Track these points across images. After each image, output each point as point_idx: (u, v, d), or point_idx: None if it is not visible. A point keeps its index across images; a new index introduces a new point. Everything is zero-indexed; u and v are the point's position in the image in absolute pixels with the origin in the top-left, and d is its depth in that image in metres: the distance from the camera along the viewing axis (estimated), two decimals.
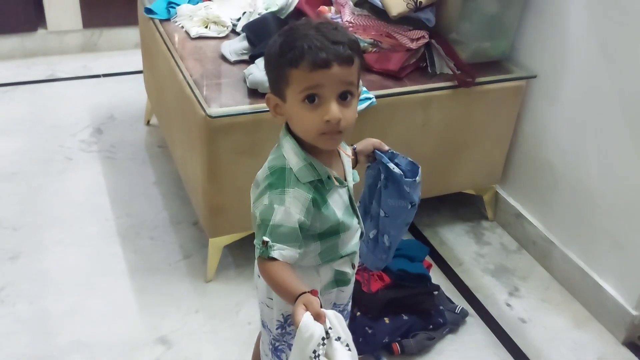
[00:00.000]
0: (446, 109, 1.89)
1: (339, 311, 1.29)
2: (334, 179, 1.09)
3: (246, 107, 1.65)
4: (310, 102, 1.01)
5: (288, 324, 1.22)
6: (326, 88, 1.00)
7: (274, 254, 1.01)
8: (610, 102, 1.71)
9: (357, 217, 1.18)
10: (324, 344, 0.88)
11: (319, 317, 0.90)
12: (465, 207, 2.26)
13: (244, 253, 1.95)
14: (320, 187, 1.08)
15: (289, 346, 1.26)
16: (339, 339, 0.89)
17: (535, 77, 1.96)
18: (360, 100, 1.70)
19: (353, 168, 1.20)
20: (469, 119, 1.95)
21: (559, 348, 1.72)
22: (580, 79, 1.80)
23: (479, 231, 2.17)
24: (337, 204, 1.11)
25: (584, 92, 1.80)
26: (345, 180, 1.15)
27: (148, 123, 2.64)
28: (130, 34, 3.19)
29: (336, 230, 1.12)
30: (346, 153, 1.17)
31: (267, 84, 1.64)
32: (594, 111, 1.77)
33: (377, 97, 1.73)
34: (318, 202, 1.07)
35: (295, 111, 1.03)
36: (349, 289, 1.27)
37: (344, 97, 1.02)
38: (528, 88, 1.98)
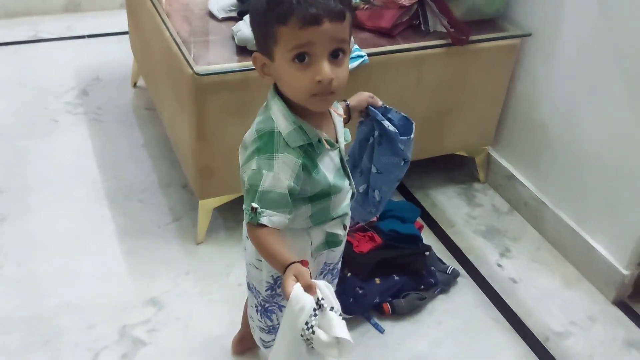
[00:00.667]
0: (439, 68, 1.86)
1: (329, 270, 1.28)
2: (324, 142, 1.05)
3: (234, 64, 1.61)
4: (300, 61, 0.95)
5: (278, 285, 1.21)
6: (317, 46, 0.94)
7: (263, 220, 0.99)
8: (606, 61, 1.68)
9: (349, 178, 1.15)
10: (315, 315, 0.86)
11: (309, 289, 0.88)
12: (457, 169, 2.24)
13: (234, 215, 1.94)
14: (310, 151, 1.04)
15: (280, 307, 1.25)
16: (332, 308, 0.87)
17: (530, 35, 1.92)
18: (352, 58, 1.67)
19: (345, 125, 1.16)
20: (462, 79, 1.92)
21: (549, 307, 1.73)
22: (575, 37, 1.77)
23: (470, 193, 2.16)
24: (328, 167, 1.08)
25: (580, 50, 1.77)
26: (337, 142, 1.10)
27: (135, 85, 2.59)
28: None
29: (327, 193, 1.09)
30: (337, 112, 1.13)
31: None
32: (590, 70, 1.74)
33: (369, 55, 1.69)
34: (308, 167, 1.03)
35: (284, 71, 0.98)
36: (339, 249, 1.26)
37: (336, 55, 0.96)
38: (523, 47, 1.95)
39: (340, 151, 1.11)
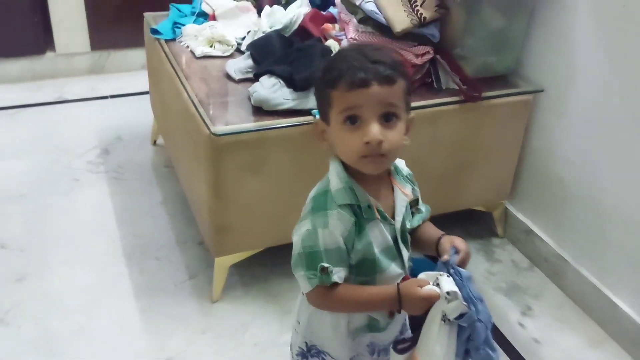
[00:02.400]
0: (454, 124, 1.88)
1: (383, 348, 1.22)
2: (375, 210, 1.04)
3: (251, 124, 1.64)
4: (352, 123, 0.98)
5: (311, 354, 1.19)
6: (365, 108, 0.97)
7: (335, 277, 1.01)
8: (620, 114, 1.69)
9: (402, 262, 1.10)
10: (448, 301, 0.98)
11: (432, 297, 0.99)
12: (475, 224, 2.23)
13: (250, 272, 1.93)
14: (359, 214, 1.03)
15: None
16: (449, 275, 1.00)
17: (542, 91, 1.94)
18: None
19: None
20: (476, 134, 1.93)
21: None
22: (588, 91, 1.78)
23: (489, 249, 2.14)
24: (376, 240, 1.06)
25: (593, 104, 1.77)
26: (393, 218, 1.07)
27: (154, 143, 2.64)
28: (137, 55, 3.21)
29: (372, 268, 1.06)
30: (403, 190, 1.10)
31: (271, 102, 1.68)
32: (604, 124, 1.75)
33: None
34: (355, 230, 1.03)
35: (337, 134, 1.01)
36: (389, 333, 1.18)
37: (388, 118, 0.99)
38: (535, 102, 1.97)
39: (395, 229, 1.08)
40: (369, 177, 1.03)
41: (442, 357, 1.01)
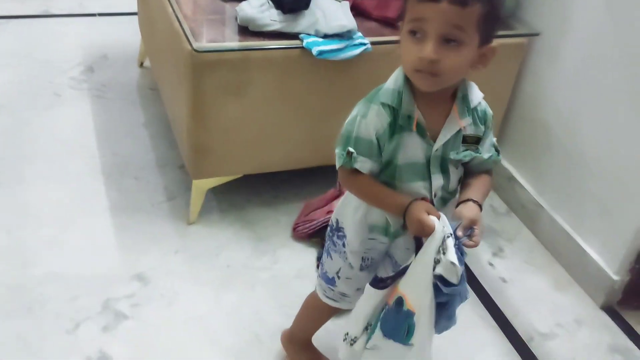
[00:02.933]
0: None
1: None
2: (414, 122, 1.03)
3: (234, 44, 1.60)
4: (413, 35, 0.97)
5: (337, 233, 1.22)
6: (429, 23, 0.95)
7: (357, 165, 1.06)
8: (611, 65, 1.66)
9: (430, 186, 1.08)
10: (445, 241, 0.99)
11: (439, 219, 1.01)
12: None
13: (228, 197, 1.93)
14: (396, 118, 1.04)
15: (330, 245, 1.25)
16: (450, 235, 0.99)
17: (537, 34, 1.90)
18: (355, 45, 1.65)
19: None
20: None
21: (537, 308, 1.71)
22: (583, 40, 1.75)
23: None
24: (405, 150, 1.05)
25: (586, 53, 1.74)
26: (432, 139, 1.05)
27: (141, 65, 2.59)
28: None
29: (392, 174, 1.07)
30: (460, 121, 1.06)
31: (258, 22, 1.62)
32: (594, 74, 1.72)
33: (372, 43, 1.67)
34: (389, 131, 1.05)
35: (402, 41, 1.01)
36: (398, 248, 1.17)
37: (449, 40, 0.95)
38: (530, 46, 1.93)
39: (431, 150, 1.06)
40: (429, 92, 1.02)
41: (429, 302, 1.03)
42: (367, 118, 1.04)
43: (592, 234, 1.77)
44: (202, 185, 1.80)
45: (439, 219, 1.01)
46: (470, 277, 1.78)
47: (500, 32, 1.87)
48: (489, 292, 1.74)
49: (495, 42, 1.85)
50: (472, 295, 1.73)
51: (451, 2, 0.94)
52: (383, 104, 1.04)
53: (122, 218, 1.82)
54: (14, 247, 1.68)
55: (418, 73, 0.99)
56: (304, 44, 1.62)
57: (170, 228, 1.81)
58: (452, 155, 1.08)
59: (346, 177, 1.10)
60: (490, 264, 1.84)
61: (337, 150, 1.09)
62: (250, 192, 1.96)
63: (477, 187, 1.11)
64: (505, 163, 2.10)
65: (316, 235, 1.77)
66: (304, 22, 1.65)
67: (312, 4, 1.68)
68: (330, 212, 1.73)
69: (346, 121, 1.08)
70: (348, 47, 1.64)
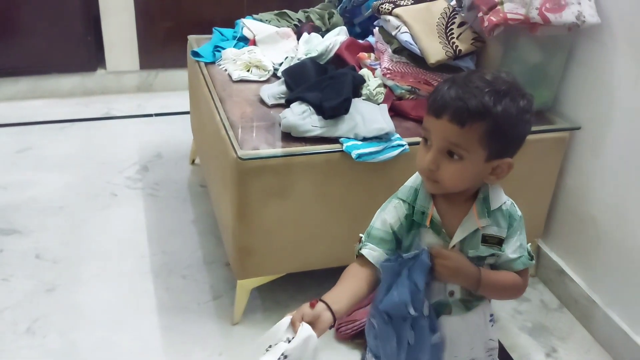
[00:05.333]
0: None
1: None
2: (428, 219, 1.08)
3: (277, 150, 1.66)
4: (425, 142, 1.06)
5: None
6: (433, 135, 1.03)
7: (364, 251, 1.10)
8: None
9: (445, 284, 1.12)
10: (275, 345, 0.96)
11: (293, 324, 0.99)
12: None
13: (272, 296, 1.94)
14: (412, 215, 1.10)
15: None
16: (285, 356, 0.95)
17: (579, 128, 1.90)
18: (393, 147, 1.69)
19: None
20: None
21: None
22: (625, 132, 1.73)
23: None
24: (423, 245, 1.09)
25: (629, 145, 1.72)
26: (449, 236, 1.09)
27: (193, 162, 2.70)
28: (184, 75, 3.27)
29: None
30: (478, 222, 1.08)
31: (300, 128, 1.69)
32: (639, 166, 1.69)
33: (410, 144, 1.71)
34: (406, 226, 1.10)
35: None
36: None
37: (451, 154, 1.02)
38: (571, 140, 1.92)
39: (448, 245, 1.09)
40: (451, 193, 1.08)
41: None
42: (385, 210, 1.12)
43: None
44: (246, 285, 1.83)
45: (294, 324, 0.99)
46: None
47: (541, 127, 1.88)
48: None
49: (536, 136, 1.88)
50: None
51: (450, 121, 0.99)
52: (401, 199, 1.12)
53: (169, 318, 1.86)
54: (67, 351, 1.73)
55: (423, 175, 1.08)
56: (344, 147, 1.67)
57: (215, 328, 1.83)
58: (471, 253, 1.10)
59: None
60: None
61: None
62: (294, 289, 1.96)
63: (496, 272, 1.12)
64: (553, 255, 2.05)
65: (359, 336, 1.75)
66: (344, 127, 1.71)
67: (352, 109, 1.74)
68: None
69: None
70: (386, 149, 1.68)
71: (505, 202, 1.12)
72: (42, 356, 1.70)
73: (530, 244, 1.15)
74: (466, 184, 1.07)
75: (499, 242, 1.10)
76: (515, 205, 1.15)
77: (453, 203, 1.09)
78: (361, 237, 1.13)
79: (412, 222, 1.10)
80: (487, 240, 1.10)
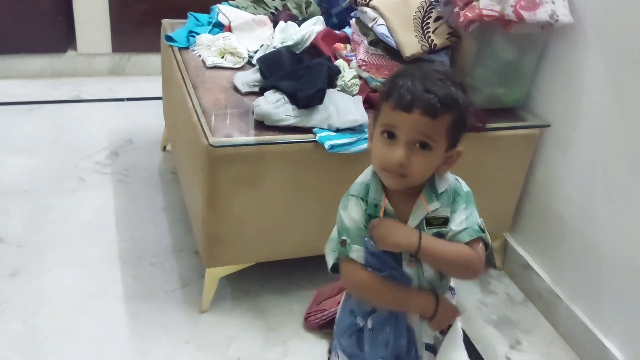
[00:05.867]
0: None
1: None
2: (381, 211, 1.10)
3: (250, 138, 1.65)
4: (388, 137, 1.05)
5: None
6: (401, 130, 1.03)
7: (352, 254, 1.11)
8: (623, 156, 1.67)
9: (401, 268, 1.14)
10: None
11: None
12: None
13: (241, 286, 1.93)
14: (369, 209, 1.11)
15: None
16: None
17: (549, 126, 1.93)
18: (366, 138, 1.68)
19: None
20: (479, 165, 1.92)
21: None
22: (594, 130, 1.77)
23: (485, 279, 2.11)
24: None
25: (598, 144, 1.75)
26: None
27: (164, 149, 2.67)
28: (158, 60, 3.22)
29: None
30: (427, 207, 1.11)
31: (273, 117, 1.68)
32: (607, 165, 1.72)
33: None
34: (366, 219, 1.12)
35: (374, 139, 1.09)
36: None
37: (422, 146, 1.03)
38: (541, 137, 1.95)
39: None
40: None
41: None
42: (348, 209, 1.13)
43: (612, 328, 1.72)
44: (215, 274, 1.81)
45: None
46: None
47: (511, 124, 1.91)
48: None
49: (507, 132, 1.90)
50: None
51: (423, 114, 1.00)
52: (354, 196, 1.13)
53: (136, 305, 1.84)
54: (29, 337, 1.70)
55: (386, 172, 1.07)
56: (317, 138, 1.66)
57: (182, 316, 1.82)
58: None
59: (350, 275, 1.13)
60: (508, 358, 1.80)
61: (328, 250, 1.16)
62: (264, 277, 1.96)
63: (442, 240, 1.12)
64: (520, 250, 2.08)
65: (327, 326, 1.75)
66: (317, 117, 1.70)
67: (326, 99, 1.73)
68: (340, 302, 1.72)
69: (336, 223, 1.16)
70: (359, 140, 1.69)
71: (451, 183, 1.15)
72: (5, 342, 1.67)
73: (481, 219, 1.15)
74: (429, 175, 1.10)
75: (444, 221, 1.12)
76: (461, 181, 1.17)
77: (404, 193, 1.11)
78: (344, 239, 1.12)
79: (369, 216, 1.12)
80: (431, 222, 1.12)
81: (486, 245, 1.14)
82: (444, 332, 1.19)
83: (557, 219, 1.91)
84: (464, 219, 1.13)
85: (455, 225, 1.12)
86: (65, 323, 1.75)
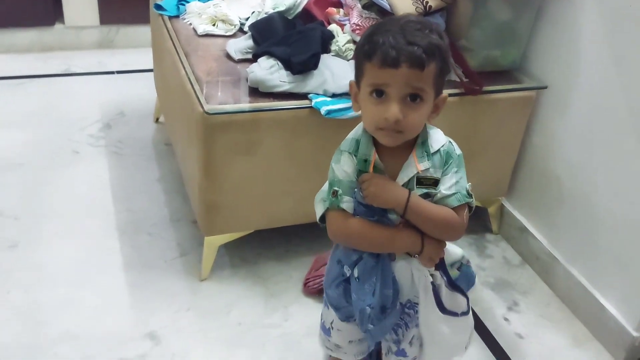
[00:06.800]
0: (452, 116, 1.85)
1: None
2: (370, 167, 1.10)
3: (244, 105, 1.63)
4: (378, 96, 1.04)
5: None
6: (391, 87, 1.02)
7: (344, 204, 1.12)
8: (621, 117, 1.66)
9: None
10: None
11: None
12: (469, 219, 2.20)
13: (240, 253, 1.94)
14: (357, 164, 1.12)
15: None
16: None
17: (545, 87, 1.92)
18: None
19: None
20: (475, 128, 1.91)
21: None
22: (591, 91, 1.76)
23: (482, 244, 2.13)
24: None
25: (595, 105, 1.75)
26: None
27: (157, 121, 2.65)
28: (147, 31, 3.18)
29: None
30: (417, 164, 1.11)
31: (267, 83, 1.66)
32: (604, 126, 1.72)
33: None
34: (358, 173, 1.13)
35: (363, 101, 1.08)
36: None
37: (413, 98, 1.03)
38: (538, 99, 1.94)
39: None
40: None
41: None
42: (340, 162, 1.13)
43: (610, 288, 1.74)
44: (214, 242, 1.82)
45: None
46: (485, 333, 1.75)
47: (508, 86, 1.90)
48: (504, 348, 1.71)
49: (503, 95, 1.89)
50: (487, 352, 1.70)
51: (410, 67, 1.00)
52: (345, 152, 1.14)
53: (135, 275, 1.84)
54: (30, 307, 1.70)
55: (381, 131, 1.06)
56: (313, 103, 1.65)
57: (182, 285, 1.82)
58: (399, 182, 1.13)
59: (338, 223, 1.14)
60: (506, 319, 1.82)
61: (318, 200, 1.17)
62: (262, 246, 1.97)
63: (429, 202, 1.12)
64: (517, 214, 2.09)
65: None
66: (312, 82, 1.69)
67: (320, 64, 1.72)
68: None
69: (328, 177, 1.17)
70: None
71: (444, 144, 1.14)
72: (6, 312, 1.67)
73: (470, 183, 1.15)
74: (422, 127, 1.10)
75: (434, 182, 1.13)
76: (454, 143, 1.16)
77: (395, 149, 1.11)
78: (335, 190, 1.13)
79: (359, 171, 1.13)
80: (422, 182, 1.12)
81: (470, 208, 1.16)
82: (438, 269, 1.19)
83: (555, 181, 1.92)
84: (454, 184, 1.13)
85: (444, 189, 1.12)
86: (66, 293, 1.75)
